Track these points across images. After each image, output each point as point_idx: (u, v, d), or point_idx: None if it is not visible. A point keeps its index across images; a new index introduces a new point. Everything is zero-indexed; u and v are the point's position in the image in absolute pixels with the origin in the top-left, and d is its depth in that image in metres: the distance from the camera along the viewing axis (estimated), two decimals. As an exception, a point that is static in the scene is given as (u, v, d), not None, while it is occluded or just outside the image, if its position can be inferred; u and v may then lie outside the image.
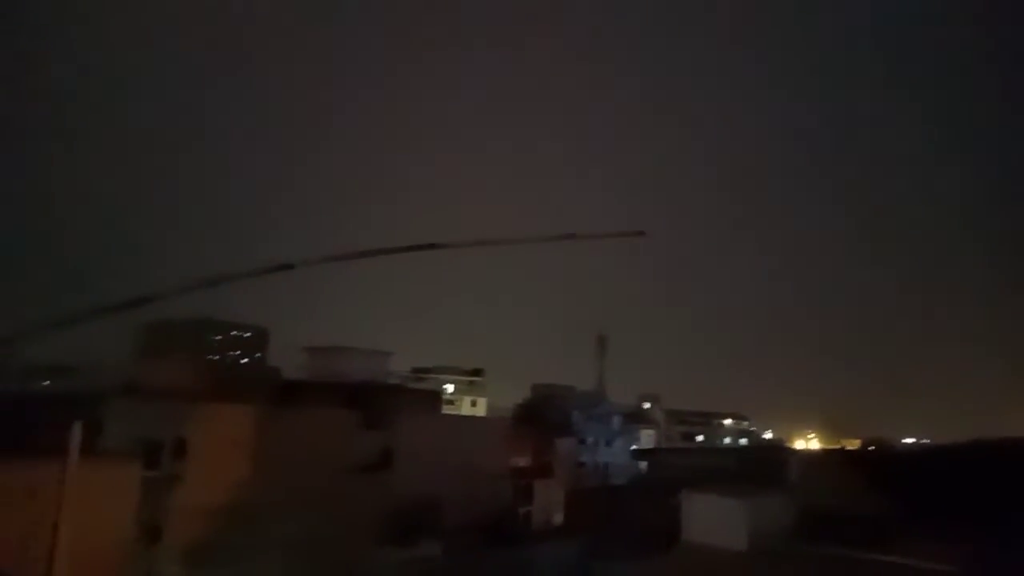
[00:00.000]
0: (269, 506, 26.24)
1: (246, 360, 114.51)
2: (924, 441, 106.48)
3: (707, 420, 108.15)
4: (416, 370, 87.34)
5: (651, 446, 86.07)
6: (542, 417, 68.06)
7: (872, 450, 75.56)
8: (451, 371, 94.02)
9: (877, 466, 31.57)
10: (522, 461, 47.86)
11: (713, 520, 21.36)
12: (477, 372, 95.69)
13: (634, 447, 78.49)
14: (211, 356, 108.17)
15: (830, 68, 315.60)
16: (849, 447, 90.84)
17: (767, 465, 35.25)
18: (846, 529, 21.33)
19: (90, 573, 19.59)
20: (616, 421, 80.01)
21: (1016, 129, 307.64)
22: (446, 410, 65.55)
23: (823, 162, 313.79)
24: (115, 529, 21.16)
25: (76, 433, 21.18)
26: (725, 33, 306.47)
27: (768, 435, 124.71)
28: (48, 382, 75.25)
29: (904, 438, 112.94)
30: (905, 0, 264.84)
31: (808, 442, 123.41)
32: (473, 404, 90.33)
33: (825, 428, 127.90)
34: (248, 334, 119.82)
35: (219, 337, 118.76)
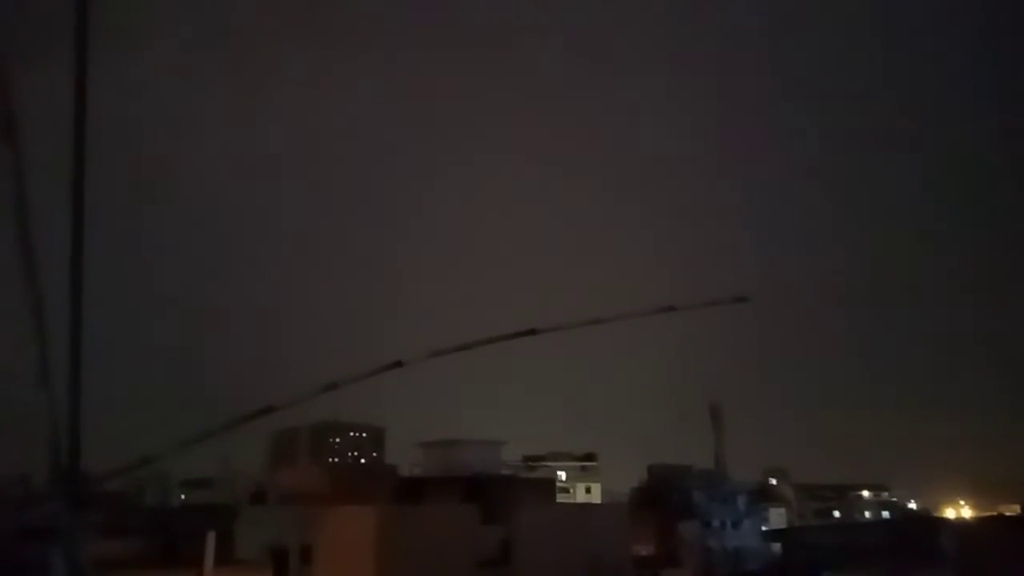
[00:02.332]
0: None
1: (364, 460, 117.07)
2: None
3: (843, 493, 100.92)
4: (528, 458, 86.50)
5: (783, 526, 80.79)
6: (661, 500, 65.49)
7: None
8: (563, 457, 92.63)
9: (1046, 534, 28.35)
10: (645, 549, 45.92)
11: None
12: (590, 457, 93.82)
13: (764, 528, 73.86)
14: (331, 458, 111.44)
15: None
16: (1009, 512, 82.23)
17: (918, 539, 32.40)
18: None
19: None
20: (741, 500, 75.77)
21: None
22: (560, 498, 64.25)
23: (945, 210, 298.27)
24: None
25: (210, 543, 22.19)
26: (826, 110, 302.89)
27: (912, 505, 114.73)
28: (184, 495, 79.53)
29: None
30: None
31: (959, 510, 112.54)
32: (588, 491, 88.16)
33: (977, 493, 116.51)
34: (364, 434, 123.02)
35: (338, 440, 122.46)
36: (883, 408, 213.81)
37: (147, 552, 29.51)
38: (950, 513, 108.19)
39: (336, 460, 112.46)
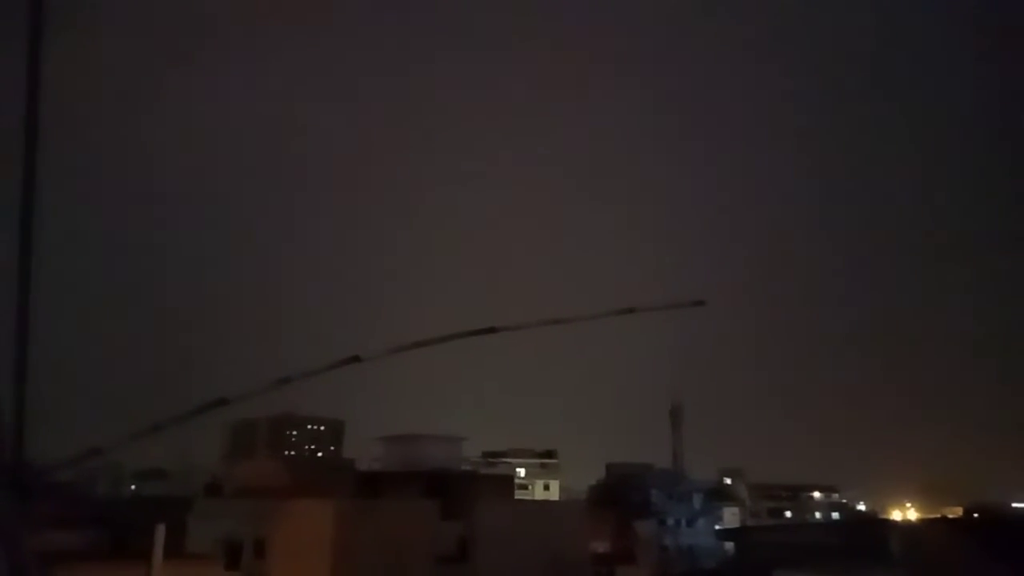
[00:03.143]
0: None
1: (322, 454, 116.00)
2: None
3: (795, 494, 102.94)
4: (488, 454, 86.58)
5: (736, 525, 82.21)
6: (619, 498, 66.12)
7: (978, 517, 70.45)
8: (524, 454, 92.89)
9: (986, 535, 29.33)
10: (601, 546, 46.29)
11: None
12: (549, 454, 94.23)
13: (719, 527, 75.05)
14: (289, 452, 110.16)
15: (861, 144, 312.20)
16: (952, 515, 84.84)
17: (866, 540, 33.25)
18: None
19: None
20: (697, 499, 76.87)
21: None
22: (518, 495, 64.47)
23: (909, 220, 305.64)
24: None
25: (160, 535, 21.70)
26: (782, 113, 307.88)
27: (861, 506, 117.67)
28: (136, 487, 77.91)
29: (1014, 501, 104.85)
30: None
31: (906, 512, 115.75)
32: (546, 488, 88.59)
33: (923, 495, 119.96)
34: (323, 428, 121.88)
35: (295, 433, 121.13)
36: (835, 412, 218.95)
37: (95, 545, 28.81)
38: (897, 515, 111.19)
39: (293, 453, 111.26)
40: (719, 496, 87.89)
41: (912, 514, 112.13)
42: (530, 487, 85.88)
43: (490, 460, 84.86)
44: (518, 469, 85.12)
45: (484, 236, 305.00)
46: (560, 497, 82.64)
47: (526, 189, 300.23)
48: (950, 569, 25.09)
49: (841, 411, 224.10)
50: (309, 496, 31.01)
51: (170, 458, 77.65)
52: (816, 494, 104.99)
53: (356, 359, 4.54)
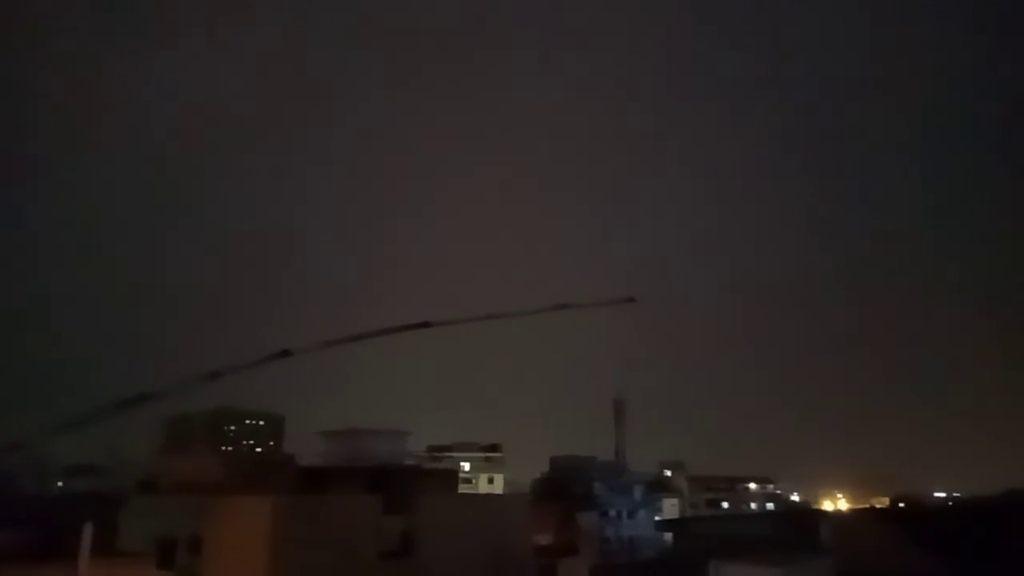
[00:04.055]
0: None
1: (261, 449, 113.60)
2: (955, 494, 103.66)
3: (732, 485, 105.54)
4: (432, 448, 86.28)
5: (676, 516, 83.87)
6: (562, 491, 66.69)
7: (903, 507, 73.58)
8: (469, 448, 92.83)
9: (911, 524, 30.66)
10: (544, 539, 46.63)
11: (747, 591, 20.67)
12: (494, 448, 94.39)
13: (658, 518, 76.44)
14: (227, 447, 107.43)
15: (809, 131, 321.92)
16: (879, 505, 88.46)
17: (799, 529, 34.29)
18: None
19: None
20: (638, 491, 78.18)
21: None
22: (463, 489, 64.42)
23: (841, 218, 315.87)
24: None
25: (87, 533, 20.89)
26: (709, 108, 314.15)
27: (795, 497, 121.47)
28: (61, 483, 74.84)
29: (935, 492, 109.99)
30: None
31: (836, 503, 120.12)
32: (490, 481, 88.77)
33: (853, 487, 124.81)
34: (262, 423, 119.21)
35: (233, 427, 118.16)
36: (771, 407, 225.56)
37: (19, 545, 27.57)
38: (828, 505, 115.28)
39: (231, 449, 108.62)
40: (659, 488, 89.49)
41: (842, 504, 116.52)
42: (474, 481, 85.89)
43: (435, 454, 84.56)
44: (463, 463, 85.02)
45: (423, 232, 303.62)
46: (504, 490, 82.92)
47: (467, 187, 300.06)
48: (877, 556, 26.13)
49: (776, 406, 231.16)
50: (247, 492, 30.30)
51: (101, 453, 75.03)
52: (752, 485, 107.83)
53: (287, 353, 4.43)
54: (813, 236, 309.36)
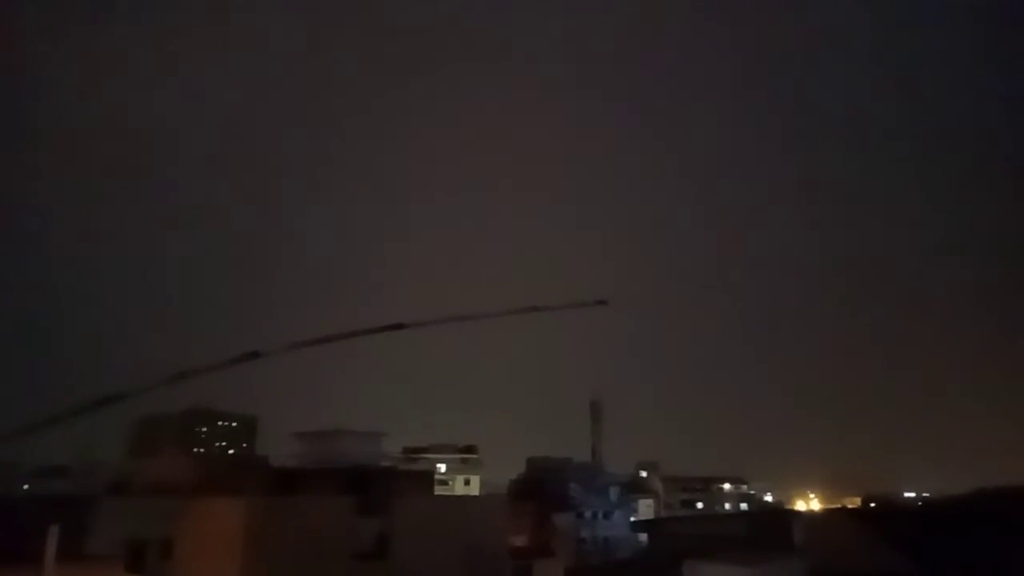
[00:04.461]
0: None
1: (234, 450, 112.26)
2: (925, 494, 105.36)
3: (707, 486, 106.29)
4: (408, 450, 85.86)
5: (651, 516, 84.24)
6: (538, 492, 66.67)
7: (874, 507, 74.60)
8: (445, 449, 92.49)
9: (881, 524, 31.09)
10: (520, 540, 46.59)
11: (721, 591, 20.80)
12: (470, 449, 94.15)
13: (634, 518, 76.72)
14: (199, 448, 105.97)
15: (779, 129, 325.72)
16: (851, 505, 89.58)
17: (771, 529, 34.62)
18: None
19: None
20: (614, 492, 78.43)
21: None
22: (439, 490, 64.12)
23: (811, 216, 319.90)
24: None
25: (53, 536, 20.44)
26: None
27: (768, 498, 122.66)
28: (31, 485, 73.34)
29: (905, 492, 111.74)
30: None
31: (809, 503, 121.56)
32: (467, 483, 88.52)
33: (825, 487, 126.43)
34: (235, 424, 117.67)
35: (206, 429, 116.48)
36: (746, 409, 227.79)
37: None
38: (801, 505, 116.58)
39: (204, 450, 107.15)
40: (635, 489, 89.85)
41: (815, 504, 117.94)
42: (451, 482, 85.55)
43: (411, 456, 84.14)
44: (439, 464, 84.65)
45: (396, 233, 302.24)
46: (481, 492, 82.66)
47: (440, 188, 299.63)
48: (848, 555, 26.46)
49: (751, 408, 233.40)
50: (219, 494, 29.90)
51: (71, 455, 73.69)
52: (726, 486, 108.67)
53: (255, 355, 4.36)
54: (787, 238, 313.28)
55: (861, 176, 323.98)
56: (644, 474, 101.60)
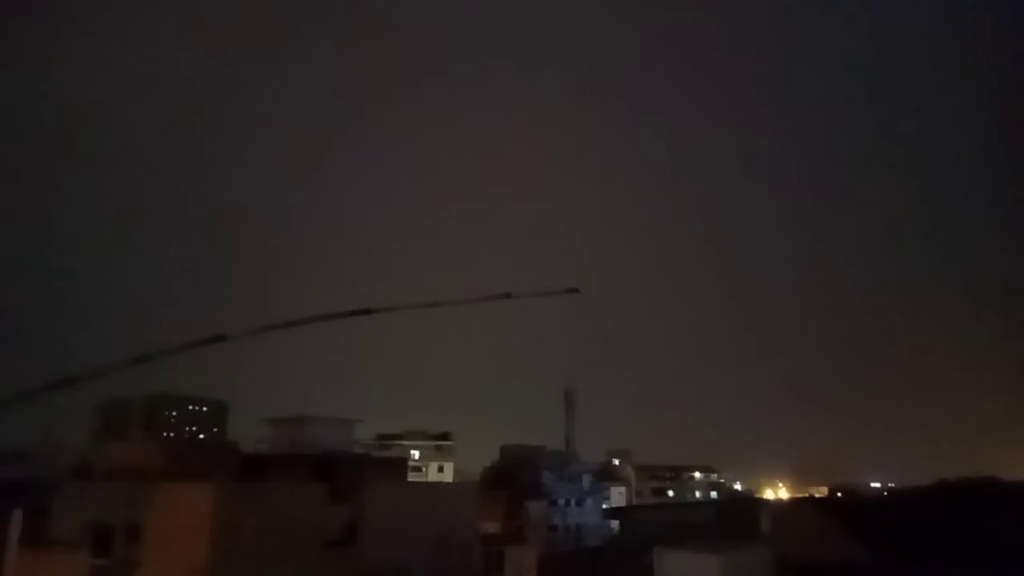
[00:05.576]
0: (230, 589, 25.04)
1: (203, 435, 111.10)
2: (890, 484, 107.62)
3: (677, 474, 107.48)
4: (382, 437, 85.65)
5: (622, 504, 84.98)
6: (511, 480, 66.86)
7: (840, 496, 75.93)
8: (419, 436, 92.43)
9: (847, 513, 31.66)
10: (492, 527, 46.73)
11: (689, 577, 21.00)
12: (444, 436, 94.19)
13: (605, 506, 77.33)
14: (167, 433, 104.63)
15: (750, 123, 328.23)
16: (818, 494, 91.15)
17: (740, 517, 35.10)
18: (821, 579, 21.20)
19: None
20: (586, 480, 78.96)
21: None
22: (412, 477, 64.02)
23: (789, 215, 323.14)
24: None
25: (16, 521, 20.03)
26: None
27: (738, 486, 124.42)
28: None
29: (870, 482, 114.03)
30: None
31: (777, 491, 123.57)
32: (440, 470, 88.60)
33: (793, 476, 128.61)
34: (205, 408, 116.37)
35: (174, 413, 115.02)
36: (716, 398, 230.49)
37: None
38: (769, 494, 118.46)
39: (172, 434, 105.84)
40: (607, 477, 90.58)
41: (783, 493, 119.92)
42: (424, 469, 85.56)
43: (384, 443, 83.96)
44: (412, 452, 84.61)
45: (367, 217, 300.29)
46: (455, 479, 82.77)
47: (414, 174, 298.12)
48: (814, 542, 26.89)
49: (722, 398, 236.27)
50: (188, 479, 29.54)
51: (32, 439, 72.16)
52: (696, 474, 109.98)
53: (221, 337, 4.23)
54: (761, 229, 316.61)
55: (822, 165, 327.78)
56: (616, 462, 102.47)
